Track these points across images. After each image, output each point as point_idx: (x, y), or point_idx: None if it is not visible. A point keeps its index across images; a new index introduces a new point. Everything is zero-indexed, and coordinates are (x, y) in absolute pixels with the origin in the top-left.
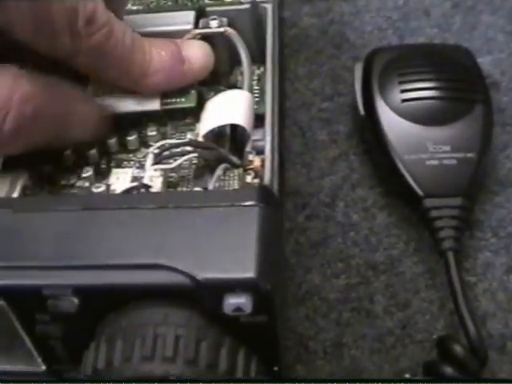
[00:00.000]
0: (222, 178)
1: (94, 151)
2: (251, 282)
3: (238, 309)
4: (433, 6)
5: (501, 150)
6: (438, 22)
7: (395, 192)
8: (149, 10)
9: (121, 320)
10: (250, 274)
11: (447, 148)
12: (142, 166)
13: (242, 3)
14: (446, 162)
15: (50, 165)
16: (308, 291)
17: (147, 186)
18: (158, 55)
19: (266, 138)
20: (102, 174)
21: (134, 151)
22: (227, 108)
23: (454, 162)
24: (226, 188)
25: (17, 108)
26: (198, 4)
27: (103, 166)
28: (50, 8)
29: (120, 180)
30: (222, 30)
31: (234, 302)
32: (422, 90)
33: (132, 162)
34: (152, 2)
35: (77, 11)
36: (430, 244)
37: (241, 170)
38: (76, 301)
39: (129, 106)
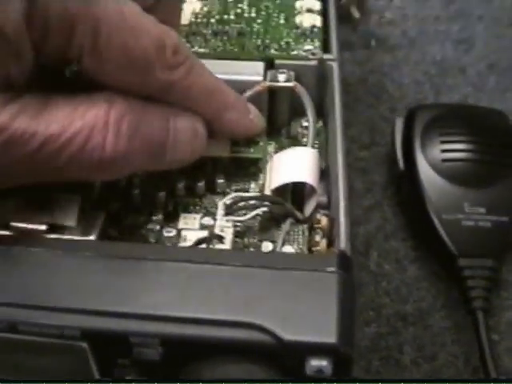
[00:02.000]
0: (288, 232)
1: (162, 193)
2: (333, 347)
3: (320, 371)
4: (469, 65)
5: None
6: (473, 80)
7: (426, 246)
8: (215, 55)
9: (203, 372)
10: (331, 339)
11: (483, 210)
12: (208, 213)
13: (309, 59)
14: (481, 223)
15: (118, 202)
16: None
17: (219, 237)
18: (233, 93)
19: (339, 202)
20: (169, 218)
21: (201, 196)
22: (297, 165)
23: (489, 224)
24: (293, 244)
25: (114, 127)
26: (264, 54)
27: (170, 209)
28: (139, 43)
29: (189, 225)
30: (291, 84)
31: (316, 364)
32: (462, 152)
33: (198, 207)
34: (219, 47)
35: (164, 41)
36: (457, 300)
37: (305, 226)
38: (161, 350)
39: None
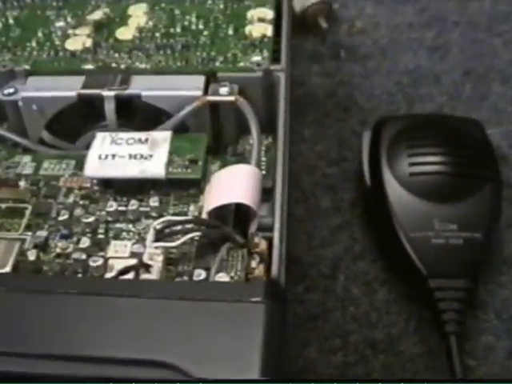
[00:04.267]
0: (226, 258)
1: (92, 218)
2: None
3: None
4: (444, 73)
5: (508, 227)
6: (448, 89)
7: (396, 267)
8: (157, 71)
9: None
10: (254, 374)
11: (454, 226)
12: (141, 239)
13: (254, 71)
14: (452, 241)
15: (46, 230)
16: (304, 366)
17: (147, 266)
18: None
19: (274, 225)
20: (99, 245)
21: (134, 222)
22: (234, 185)
23: (461, 241)
24: (230, 270)
25: None
26: (208, 67)
27: (101, 236)
28: None
29: (119, 253)
30: (232, 98)
31: None
32: (431, 165)
33: (131, 233)
34: (161, 62)
35: None
36: (431, 323)
37: (245, 250)
38: None
39: (132, 171)
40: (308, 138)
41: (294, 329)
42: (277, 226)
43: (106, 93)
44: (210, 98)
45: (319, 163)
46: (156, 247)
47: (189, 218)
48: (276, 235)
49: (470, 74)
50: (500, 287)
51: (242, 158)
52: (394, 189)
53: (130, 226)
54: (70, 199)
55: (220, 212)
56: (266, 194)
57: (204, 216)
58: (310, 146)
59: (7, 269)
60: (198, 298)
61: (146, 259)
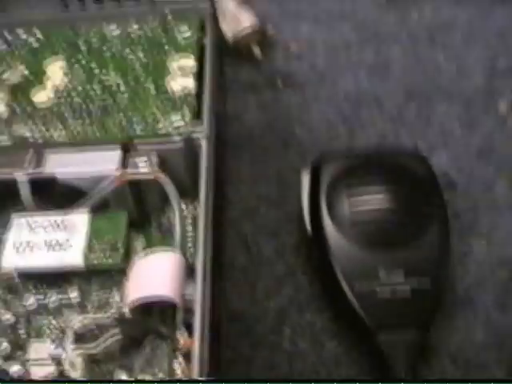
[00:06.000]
0: (150, 355)
1: (8, 316)
2: None
3: None
4: (385, 95)
5: (458, 262)
6: (391, 113)
7: (344, 318)
8: (74, 143)
9: None
10: None
11: (400, 274)
12: (62, 338)
13: (175, 141)
14: (399, 292)
15: None
16: None
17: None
18: None
19: (195, 322)
20: (18, 344)
21: (55, 314)
22: (156, 275)
23: (408, 291)
24: (155, 366)
25: None
26: (127, 134)
27: (21, 334)
28: None
29: (39, 354)
30: (151, 176)
31: None
32: (372, 211)
33: (51, 328)
34: (79, 133)
35: None
36: (383, 374)
37: (169, 343)
38: None
39: (50, 261)
40: (247, 178)
41: None
42: (197, 324)
43: (19, 177)
44: (129, 175)
45: (260, 206)
46: (75, 349)
47: (106, 316)
48: (196, 335)
49: (413, 95)
50: (454, 330)
51: (168, 233)
52: (335, 237)
53: (51, 318)
54: None
55: (144, 303)
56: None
57: (125, 309)
58: (249, 188)
59: None
60: None
61: (66, 365)
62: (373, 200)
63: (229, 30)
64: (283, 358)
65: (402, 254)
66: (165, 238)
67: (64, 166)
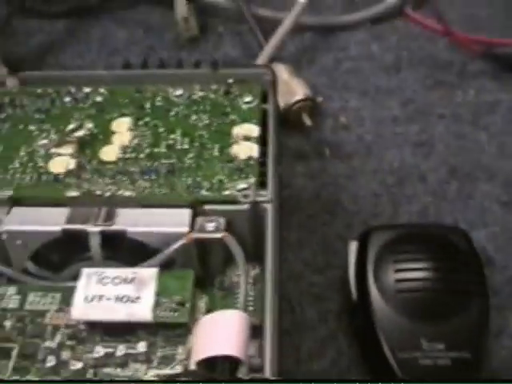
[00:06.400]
0: None
1: (79, 365)
2: None
3: None
4: (429, 171)
5: (495, 336)
6: (434, 188)
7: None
8: (142, 201)
9: None
10: None
11: (441, 346)
12: None
13: (240, 202)
14: (440, 361)
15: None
16: None
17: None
18: None
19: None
20: None
21: (122, 366)
22: (222, 335)
23: (449, 362)
24: None
25: None
26: (194, 196)
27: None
28: None
29: None
30: (219, 236)
31: None
32: (417, 281)
33: (118, 378)
34: (146, 188)
35: None
36: None
37: None
38: None
39: (119, 315)
40: (293, 243)
41: None
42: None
43: (90, 229)
44: (197, 235)
45: (305, 271)
46: None
47: (179, 371)
48: None
49: (455, 172)
50: None
51: (230, 293)
52: (380, 306)
53: (119, 370)
54: (57, 339)
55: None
56: (255, 330)
57: (192, 366)
58: (295, 252)
59: None
60: None
61: None
62: (417, 271)
63: (281, 98)
64: None
65: (444, 327)
66: (227, 297)
67: (134, 222)
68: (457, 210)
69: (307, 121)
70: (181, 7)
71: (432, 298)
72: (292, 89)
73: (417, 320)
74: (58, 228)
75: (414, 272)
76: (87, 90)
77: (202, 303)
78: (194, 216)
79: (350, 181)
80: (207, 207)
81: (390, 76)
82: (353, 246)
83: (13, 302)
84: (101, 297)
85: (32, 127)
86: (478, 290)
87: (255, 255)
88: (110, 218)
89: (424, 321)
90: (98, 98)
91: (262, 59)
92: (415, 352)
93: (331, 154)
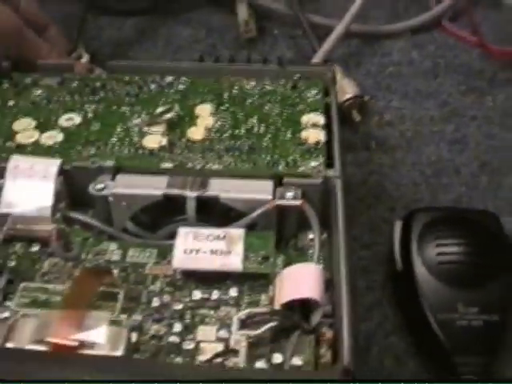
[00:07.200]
0: (296, 344)
1: (180, 305)
2: None
3: None
4: (462, 165)
5: None
6: (467, 180)
7: (425, 344)
8: (229, 172)
9: None
10: None
11: (475, 310)
12: (223, 325)
13: (314, 177)
14: (473, 323)
15: (140, 315)
16: None
17: (235, 351)
18: None
19: (343, 319)
20: (187, 329)
21: (216, 308)
22: (303, 281)
23: (481, 323)
24: (300, 354)
25: None
26: (273, 171)
27: (188, 321)
28: None
29: (206, 337)
30: (298, 203)
31: None
32: (456, 255)
33: (213, 319)
34: (231, 163)
35: None
36: None
37: (312, 336)
38: None
39: (215, 265)
40: None
41: None
42: (345, 319)
43: (188, 194)
44: (279, 202)
45: (354, 246)
46: (241, 335)
47: (267, 309)
48: (345, 327)
49: (485, 166)
50: None
51: (303, 253)
52: (423, 275)
53: (212, 312)
54: (157, 286)
55: (288, 303)
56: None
57: (277, 307)
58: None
59: (119, 352)
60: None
61: (232, 345)
62: (456, 246)
63: None
64: (370, 375)
65: (477, 294)
66: (300, 256)
67: (225, 190)
68: (487, 199)
69: (356, 117)
70: (242, 11)
71: (467, 269)
72: (343, 88)
73: (454, 287)
74: (159, 192)
75: (453, 247)
76: (170, 78)
77: (280, 261)
78: (275, 187)
79: (393, 170)
80: (286, 180)
81: (429, 81)
82: (398, 225)
83: (115, 256)
84: (197, 250)
85: (124, 108)
86: (505, 263)
87: (323, 224)
88: (203, 185)
89: (461, 288)
90: (181, 86)
91: (315, 61)
92: (453, 314)
93: (376, 147)
